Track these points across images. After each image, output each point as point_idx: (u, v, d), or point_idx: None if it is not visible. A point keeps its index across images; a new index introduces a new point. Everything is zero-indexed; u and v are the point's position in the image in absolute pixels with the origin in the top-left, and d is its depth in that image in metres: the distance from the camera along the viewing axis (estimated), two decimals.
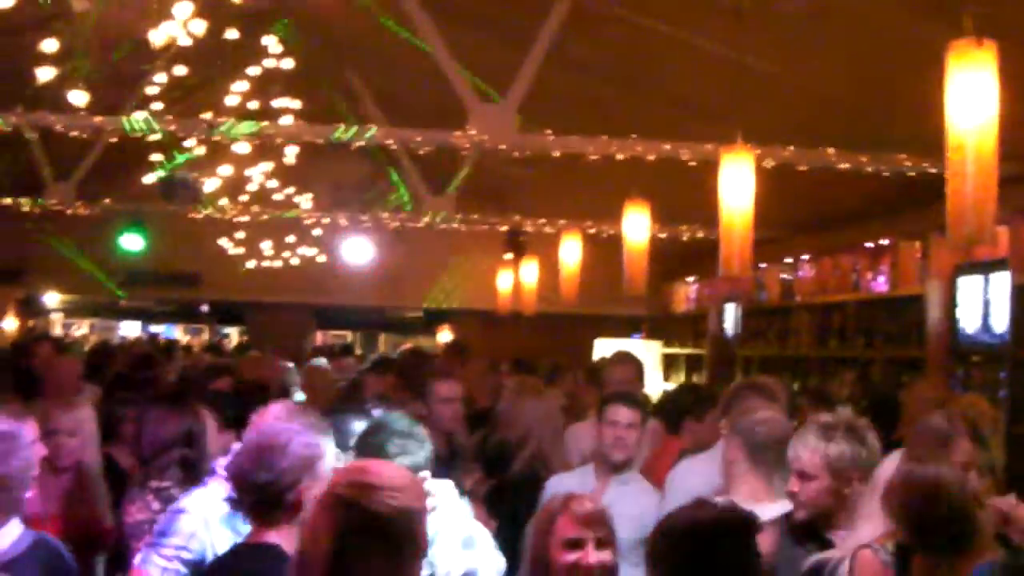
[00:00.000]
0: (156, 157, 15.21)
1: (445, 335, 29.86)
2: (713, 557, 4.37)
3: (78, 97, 10.30)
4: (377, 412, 6.50)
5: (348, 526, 3.77)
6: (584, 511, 5.06)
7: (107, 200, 19.40)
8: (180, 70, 12.18)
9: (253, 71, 13.31)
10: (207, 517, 5.48)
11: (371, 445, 5.51)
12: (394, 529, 3.79)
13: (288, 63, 13.14)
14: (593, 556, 4.95)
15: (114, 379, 11.54)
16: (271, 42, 13.11)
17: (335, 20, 16.15)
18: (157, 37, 9.81)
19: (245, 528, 5.02)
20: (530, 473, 8.48)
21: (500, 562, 5.81)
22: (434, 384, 9.07)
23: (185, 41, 10.20)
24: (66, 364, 11.37)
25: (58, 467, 7.23)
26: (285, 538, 4.59)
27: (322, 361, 16.54)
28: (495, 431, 9.99)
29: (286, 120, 13.00)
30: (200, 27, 9.85)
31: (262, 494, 4.68)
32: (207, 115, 12.68)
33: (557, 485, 7.46)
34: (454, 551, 5.56)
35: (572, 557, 4.96)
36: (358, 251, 22.50)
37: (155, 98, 12.76)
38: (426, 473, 5.49)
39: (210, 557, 5.33)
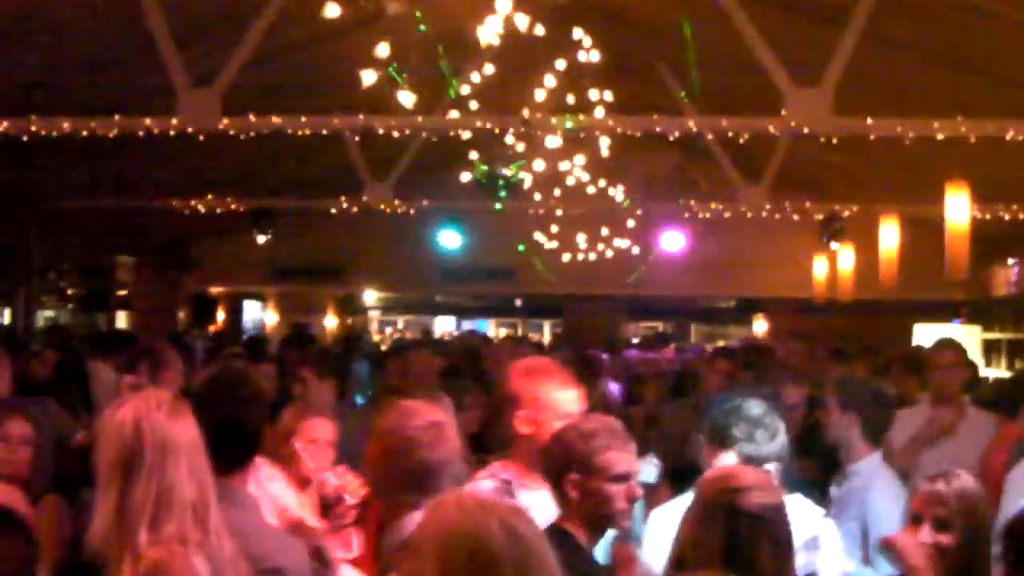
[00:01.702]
0: (472, 154, 15.42)
1: (760, 324, 29.66)
2: None
3: (403, 98, 10.52)
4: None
5: (732, 527, 3.87)
6: (925, 489, 4.99)
7: (423, 199, 19.81)
8: (490, 68, 12.33)
9: (563, 65, 13.40)
10: None
11: (718, 427, 5.52)
12: (770, 523, 3.88)
13: (597, 55, 13.18)
14: (926, 535, 4.92)
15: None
16: (580, 35, 13.17)
17: (643, 10, 16.15)
18: (480, 35, 9.98)
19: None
20: None
21: (845, 564, 5.65)
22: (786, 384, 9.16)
23: (494, 39, 10.34)
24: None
25: None
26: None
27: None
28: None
29: (599, 113, 13.05)
30: (521, 23, 9.97)
31: None
32: (524, 111, 12.81)
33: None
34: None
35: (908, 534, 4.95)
36: (671, 241, 22.39)
37: (469, 96, 12.96)
38: (772, 466, 5.43)
39: None
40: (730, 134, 13.38)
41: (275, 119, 13.02)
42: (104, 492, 4.18)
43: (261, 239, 20.56)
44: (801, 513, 5.54)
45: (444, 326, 40.12)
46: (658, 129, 12.99)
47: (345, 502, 5.86)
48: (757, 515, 3.91)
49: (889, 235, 17.71)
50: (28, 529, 4.62)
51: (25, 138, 13.22)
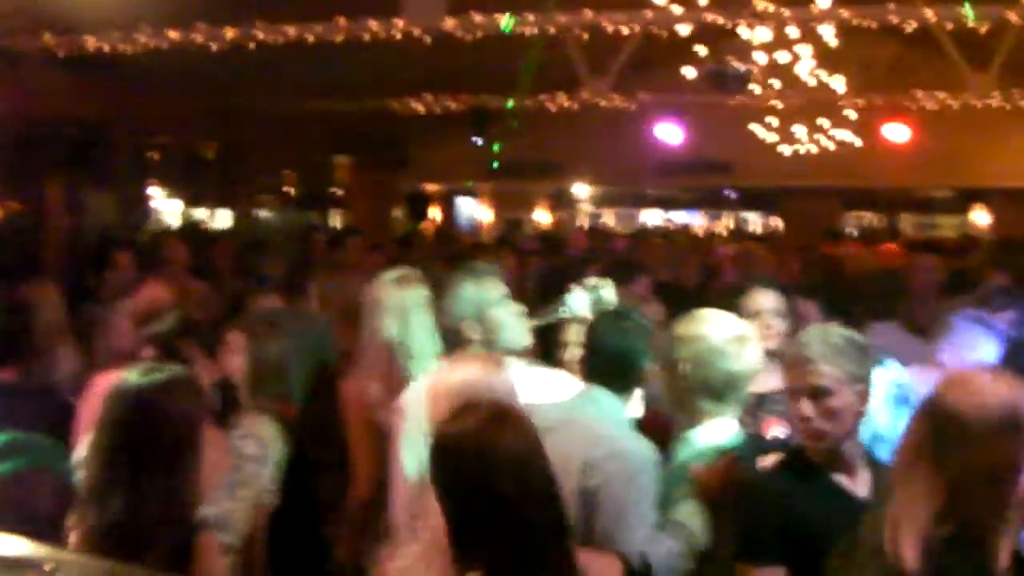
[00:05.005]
0: (698, 48, 15.23)
1: (981, 215, 28.94)
2: None
3: None
4: None
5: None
6: None
7: (641, 93, 19.63)
8: None
9: None
10: None
11: None
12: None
13: None
14: None
15: None
16: None
17: None
18: None
19: None
20: None
21: None
22: None
23: None
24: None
25: None
26: None
27: None
28: None
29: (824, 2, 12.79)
30: None
31: None
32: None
33: None
34: None
35: None
36: (895, 133, 21.80)
37: None
38: None
39: None
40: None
41: (498, 17, 12.99)
42: None
43: (479, 140, 20.60)
44: None
45: (652, 219, 39.97)
46: (894, 20, 12.60)
47: None
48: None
49: None
50: None
51: (252, 45, 13.38)
